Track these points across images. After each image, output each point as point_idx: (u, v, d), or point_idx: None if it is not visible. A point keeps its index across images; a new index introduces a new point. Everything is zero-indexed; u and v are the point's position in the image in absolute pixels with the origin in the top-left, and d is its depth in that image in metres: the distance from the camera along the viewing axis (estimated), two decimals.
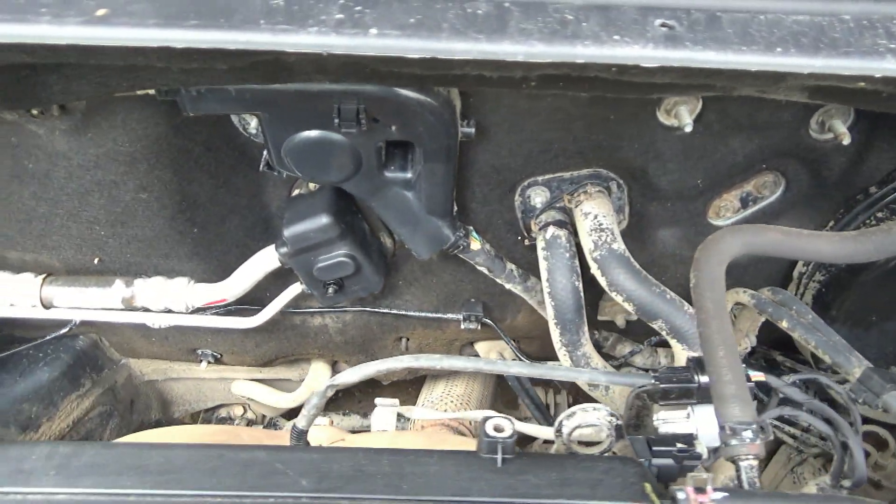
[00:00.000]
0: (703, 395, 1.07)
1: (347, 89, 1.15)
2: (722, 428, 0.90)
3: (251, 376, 2.07)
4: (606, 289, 1.32)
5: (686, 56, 0.72)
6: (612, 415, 0.99)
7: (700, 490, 0.76)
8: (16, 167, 1.32)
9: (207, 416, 2.32)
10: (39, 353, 1.79)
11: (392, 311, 1.69)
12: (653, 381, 1.08)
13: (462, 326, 1.68)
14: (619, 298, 1.31)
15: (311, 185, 1.48)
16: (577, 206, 1.39)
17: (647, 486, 0.78)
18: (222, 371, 2.05)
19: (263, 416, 2.29)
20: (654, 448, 1.00)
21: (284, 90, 1.15)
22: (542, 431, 1.33)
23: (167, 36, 0.80)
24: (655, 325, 1.30)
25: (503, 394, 2.18)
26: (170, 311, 1.50)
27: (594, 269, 1.32)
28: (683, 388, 1.07)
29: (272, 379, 2.10)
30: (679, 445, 1.00)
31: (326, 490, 0.73)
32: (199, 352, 1.82)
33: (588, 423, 0.99)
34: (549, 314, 1.40)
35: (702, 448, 1.00)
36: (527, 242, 1.50)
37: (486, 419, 0.83)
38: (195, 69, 0.97)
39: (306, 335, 1.74)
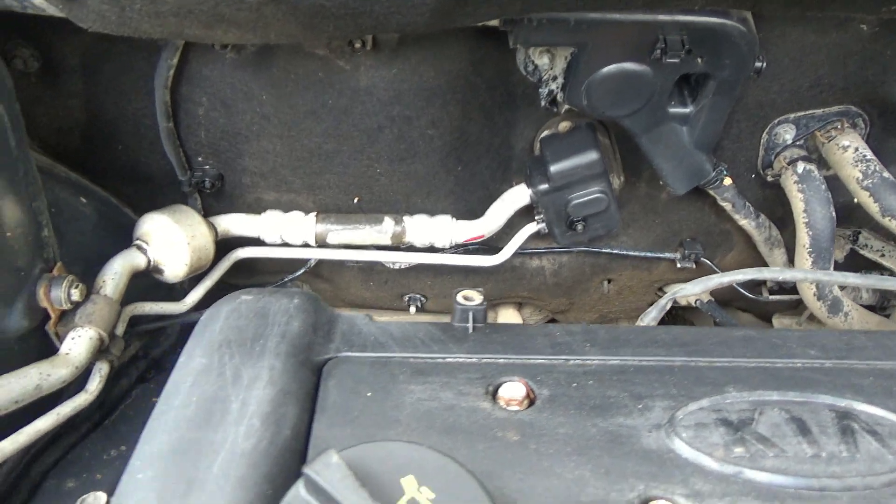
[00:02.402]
0: None
1: (674, 20, 1.22)
2: None
3: None
4: (878, 215, 1.40)
5: None
6: None
7: None
8: (315, 102, 1.36)
9: None
10: None
11: (611, 252, 1.75)
12: None
13: (679, 266, 1.75)
14: (892, 224, 1.39)
15: (561, 127, 1.54)
16: (830, 141, 1.47)
17: None
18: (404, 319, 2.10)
19: None
20: None
21: (614, 20, 1.21)
22: None
23: None
24: None
25: None
26: (432, 248, 1.55)
27: (865, 198, 1.40)
28: None
29: None
30: None
31: (835, 358, 0.80)
32: (408, 297, 1.86)
33: None
34: (804, 243, 1.48)
35: None
36: (769, 178, 1.57)
37: None
38: None
39: (522, 277, 1.79)
